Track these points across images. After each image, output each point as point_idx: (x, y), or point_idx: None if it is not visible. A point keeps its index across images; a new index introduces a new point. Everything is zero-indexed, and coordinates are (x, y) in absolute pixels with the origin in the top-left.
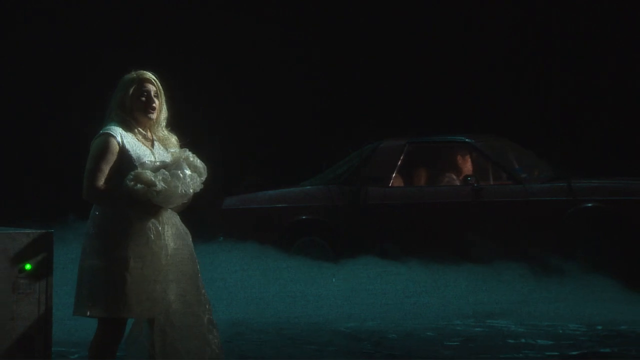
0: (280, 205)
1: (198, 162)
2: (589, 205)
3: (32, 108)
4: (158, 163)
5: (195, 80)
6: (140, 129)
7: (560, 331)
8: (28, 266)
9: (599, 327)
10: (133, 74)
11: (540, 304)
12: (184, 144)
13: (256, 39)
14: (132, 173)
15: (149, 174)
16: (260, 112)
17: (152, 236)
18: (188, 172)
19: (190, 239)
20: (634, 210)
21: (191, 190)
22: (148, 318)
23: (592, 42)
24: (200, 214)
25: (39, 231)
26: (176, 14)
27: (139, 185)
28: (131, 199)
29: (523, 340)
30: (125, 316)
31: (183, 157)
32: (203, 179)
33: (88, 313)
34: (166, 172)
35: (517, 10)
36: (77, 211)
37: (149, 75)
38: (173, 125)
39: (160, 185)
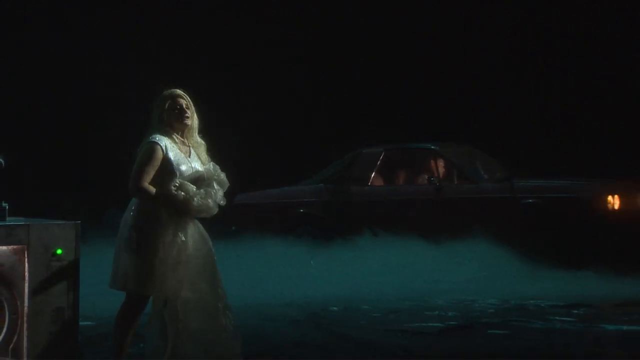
0: (281, 200)
1: (224, 178)
2: (529, 201)
3: (32, 108)
4: (194, 172)
5: (194, 80)
6: (178, 135)
7: (477, 305)
8: (59, 251)
9: (513, 302)
10: (166, 92)
11: (481, 282)
12: (211, 153)
13: (256, 39)
14: (178, 181)
15: (190, 186)
16: (260, 112)
17: (180, 234)
18: (220, 192)
19: (210, 240)
20: (565, 206)
21: (217, 209)
22: (168, 301)
23: (592, 42)
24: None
25: (68, 222)
26: (176, 14)
27: (181, 193)
28: (169, 201)
29: (437, 312)
30: (150, 294)
31: (215, 175)
32: (225, 190)
33: (121, 288)
34: (202, 191)
35: (517, 10)
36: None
37: (179, 91)
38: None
39: (197, 201)
